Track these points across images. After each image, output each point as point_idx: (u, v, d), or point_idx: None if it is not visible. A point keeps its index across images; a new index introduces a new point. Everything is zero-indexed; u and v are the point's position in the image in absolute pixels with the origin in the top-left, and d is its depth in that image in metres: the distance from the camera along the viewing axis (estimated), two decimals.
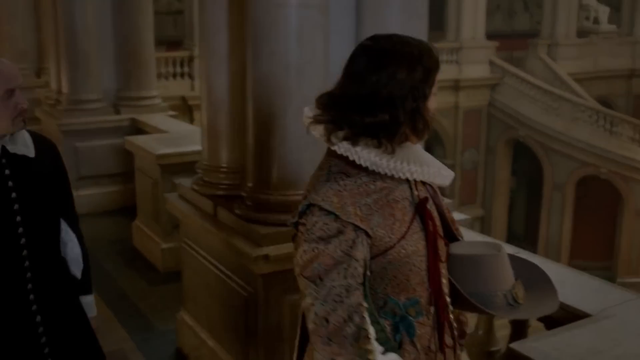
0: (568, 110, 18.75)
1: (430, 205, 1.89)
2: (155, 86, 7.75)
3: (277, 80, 3.21)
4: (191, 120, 13.06)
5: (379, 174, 1.78)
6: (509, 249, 2.27)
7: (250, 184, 3.42)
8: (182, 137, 6.15)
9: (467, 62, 19.68)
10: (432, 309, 1.88)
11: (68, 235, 2.60)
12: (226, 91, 3.74)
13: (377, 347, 1.69)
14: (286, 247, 3.24)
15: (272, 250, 3.21)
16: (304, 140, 3.24)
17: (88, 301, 2.70)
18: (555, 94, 19.04)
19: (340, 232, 1.71)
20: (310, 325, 1.72)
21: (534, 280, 2.01)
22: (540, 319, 2.87)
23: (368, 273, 1.76)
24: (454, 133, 19.89)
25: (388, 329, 1.81)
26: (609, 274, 18.41)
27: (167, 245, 5.58)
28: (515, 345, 2.48)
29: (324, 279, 1.70)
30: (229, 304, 3.64)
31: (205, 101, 3.89)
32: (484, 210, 20.32)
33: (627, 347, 2.41)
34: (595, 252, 18.88)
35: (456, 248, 1.96)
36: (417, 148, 1.88)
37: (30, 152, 2.44)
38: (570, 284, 1.98)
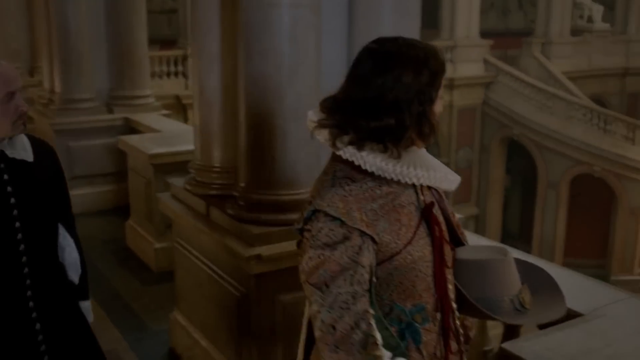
0: (562, 109, 18.80)
1: (436, 210, 1.87)
2: (148, 85, 7.74)
3: (269, 80, 3.20)
4: (185, 119, 13.04)
5: (384, 178, 1.76)
6: (514, 252, 2.23)
7: (242, 184, 3.42)
8: (175, 137, 6.13)
9: (462, 60, 19.70)
10: (438, 315, 1.86)
11: (66, 240, 2.57)
12: (218, 91, 3.73)
13: (385, 353, 1.67)
14: (279, 247, 3.24)
15: (264, 250, 3.20)
16: (297, 140, 3.26)
17: (85, 307, 2.68)
18: (549, 93, 19.09)
19: (346, 238, 1.69)
20: (317, 333, 1.69)
21: (541, 285, 1.98)
22: None
23: (374, 279, 1.73)
24: (448, 132, 19.90)
25: (394, 336, 1.78)
26: (603, 272, 18.46)
27: (160, 245, 5.57)
28: (507, 345, 2.47)
29: (330, 286, 1.67)
30: (222, 304, 3.63)
31: (197, 101, 3.88)
32: (479, 208, 20.36)
33: (619, 347, 2.41)
34: (589, 250, 18.94)
35: (462, 253, 1.94)
36: (423, 152, 1.85)
37: (29, 157, 2.40)
38: (562, 284, 1.96)
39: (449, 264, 1.88)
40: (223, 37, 3.65)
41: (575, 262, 18.20)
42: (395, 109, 1.73)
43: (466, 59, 19.68)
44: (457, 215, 2.08)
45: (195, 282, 3.94)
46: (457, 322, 1.92)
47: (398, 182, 1.77)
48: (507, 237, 19.78)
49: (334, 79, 3.58)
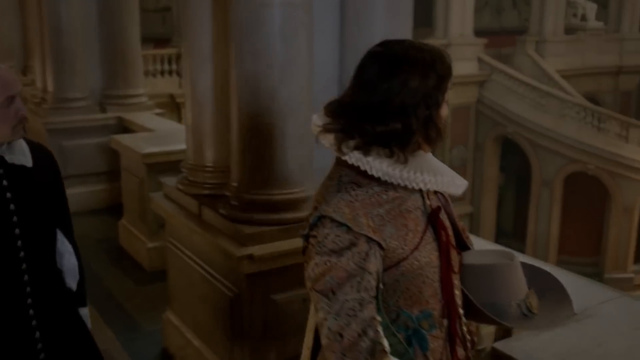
0: (556, 107, 18.83)
1: (442, 215, 1.85)
2: (141, 84, 7.72)
3: (261, 79, 3.20)
4: (179, 118, 13.01)
5: (390, 183, 1.74)
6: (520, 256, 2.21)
7: (234, 184, 3.41)
8: (168, 136, 6.11)
9: (456, 59, 19.21)
10: (445, 322, 1.84)
11: (64, 246, 2.53)
12: (210, 90, 3.72)
13: None
14: (271, 247, 3.24)
15: (256, 250, 3.20)
16: (289, 139, 3.26)
17: (84, 314, 2.64)
18: (543, 91, 19.12)
19: (352, 244, 1.66)
20: (324, 341, 1.67)
21: (548, 289, 1.96)
22: None
23: (381, 286, 1.71)
24: None
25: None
26: (596, 270, 18.53)
27: (153, 244, 5.56)
28: (498, 345, 2.48)
29: (337, 293, 1.65)
30: (214, 304, 3.62)
31: (189, 100, 3.87)
32: (473, 207, 20.38)
33: (610, 347, 2.41)
34: (583, 248, 18.99)
35: (468, 257, 1.92)
36: (429, 157, 1.82)
37: (28, 162, 2.36)
38: None
39: (456, 269, 1.86)
40: (215, 36, 3.64)
41: (569, 260, 18.26)
42: (401, 114, 1.71)
43: (460, 58, 19.66)
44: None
45: (187, 282, 3.93)
46: (464, 328, 1.90)
47: (404, 187, 1.75)
48: (501, 236, 19.82)
49: (325, 78, 3.61)
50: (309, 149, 3.38)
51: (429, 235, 1.79)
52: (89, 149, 7.13)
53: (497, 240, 18.04)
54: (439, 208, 1.83)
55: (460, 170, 20.00)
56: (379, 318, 1.67)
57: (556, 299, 1.96)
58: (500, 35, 22.04)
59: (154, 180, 5.41)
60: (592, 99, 20.82)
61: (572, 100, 19.06)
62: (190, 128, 3.89)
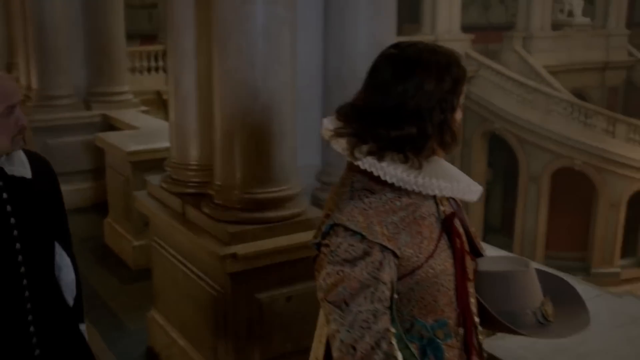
0: (543, 103, 18.90)
1: (456, 221, 1.81)
2: (126, 82, 7.67)
3: (243, 77, 3.18)
4: (166, 115, 12.89)
5: (404, 189, 1.69)
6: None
7: (218, 182, 3.40)
8: (153, 134, 6.08)
9: None
10: (460, 331, 1.80)
11: (63, 260, 2.44)
12: (194, 88, 3.70)
13: None
14: (254, 246, 3.23)
15: (240, 248, 3.19)
16: (272, 137, 3.24)
17: (81, 330, 2.56)
18: (530, 87, 19.18)
19: (366, 254, 1.61)
20: (336, 354, 1.62)
21: (563, 296, 1.93)
22: None
23: (395, 296, 1.66)
24: None
25: (416, 353, 1.72)
26: (584, 265, 18.64)
27: (138, 242, 5.53)
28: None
29: (350, 304, 1.60)
30: (199, 303, 3.61)
31: (173, 98, 3.85)
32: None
33: (592, 345, 2.42)
34: (571, 243, 19.08)
35: (482, 264, 1.88)
36: (443, 162, 1.77)
37: (28, 173, 2.27)
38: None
39: (471, 276, 1.82)
40: (198, 33, 3.62)
41: (556, 254, 18.37)
42: (416, 118, 1.66)
43: None
44: None
45: (172, 281, 3.92)
46: (480, 337, 1.86)
47: (418, 193, 1.70)
48: (489, 231, 19.90)
49: (309, 76, 3.61)
50: (292, 147, 3.37)
51: (444, 243, 1.75)
52: (74, 146, 7.07)
53: (485, 235, 18.11)
54: (453, 214, 1.80)
55: None
56: (393, 330, 1.63)
57: (571, 306, 1.92)
58: (488, 31, 22.10)
59: (139, 179, 5.37)
60: (579, 94, 20.91)
61: (559, 96, 19.14)
62: (174, 126, 3.87)
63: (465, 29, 20.86)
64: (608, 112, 18.96)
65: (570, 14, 22.59)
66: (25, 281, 2.24)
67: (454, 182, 1.73)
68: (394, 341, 1.62)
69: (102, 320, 4.76)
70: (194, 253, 3.56)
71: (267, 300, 3.31)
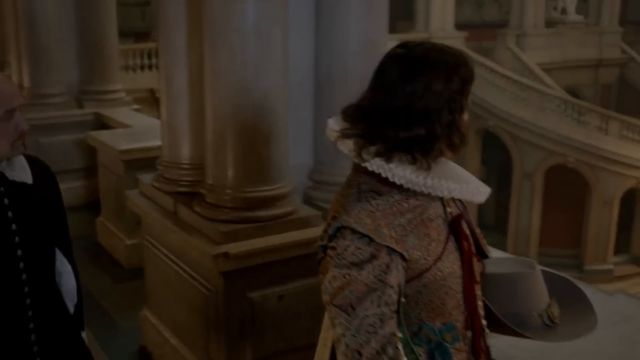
0: (536, 100, 18.94)
1: (463, 223, 1.79)
2: (119, 80, 7.64)
3: (234, 75, 3.17)
4: (159, 113, 12.89)
5: (411, 191, 1.66)
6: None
7: (209, 181, 3.39)
8: (146, 132, 6.05)
9: None
10: (468, 334, 1.78)
11: (64, 266, 2.39)
12: (185, 87, 3.69)
13: None
14: (246, 245, 3.23)
15: (231, 247, 3.18)
16: (264, 136, 3.24)
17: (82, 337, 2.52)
18: (524, 84, 19.22)
19: (373, 257, 1.59)
20: (341, 358, 1.60)
21: (569, 297, 1.91)
22: None
23: (402, 299, 1.64)
24: None
25: (423, 356, 1.71)
26: (577, 262, 18.70)
27: (131, 241, 5.52)
28: None
29: (357, 308, 1.58)
30: (191, 302, 3.60)
31: (164, 96, 3.84)
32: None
33: (582, 344, 2.40)
34: (564, 240, 19.13)
35: (487, 266, 1.86)
36: (451, 164, 1.75)
37: (29, 179, 2.22)
38: None
39: (478, 278, 1.80)
40: (189, 31, 3.61)
41: (550, 252, 18.42)
42: (425, 118, 1.64)
43: None
44: None
45: (164, 280, 3.91)
46: (488, 341, 1.85)
47: (425, 195, 1.68)
48: (482, 228, 19.46)
49: (301, 75, 3.60)
50: (284, 146, 3.36)
51: (451, 245, 1.73)
52: (66, 145, 7.04)
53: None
54: (460, 216, 1.78)
55: None
56: (399, 334, 1.61)
57: (578, 308, 1.91)
58: (481, 29, 22.13)
59: (131, 177, 5.35)
60: (573, 92, 20.96)
61: (553, 93, 19.19)
62: (166, 125, 3.86)
63: (459, 26, 20.89)
64: (601, 109, 19.02)
65: (564, 11, 22.63)
66: (26, 288, 2.20)
67: (463, 183, 1.71)
68: (400, 346, 1.60)
69: (95, 319, 4.73)
70: (186, 252, 3.55)
71: (259, 299, 3.31)
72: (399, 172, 1.64)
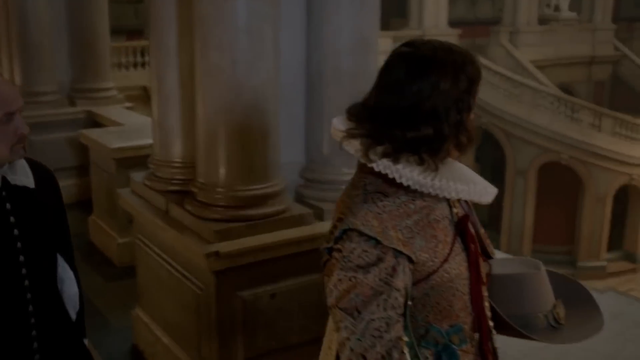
0: (530, 97, 18.98)
1: (469, 224, 1.77)
2: (111, 78, 7.62)
3: (225, 74, 3.16)
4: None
5: (417, 191, 1.64)
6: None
7: (201, 180, 3.38)
8: (138, 130, 6.02)
9: None
10: (476, 336, 1.76)
11: (66, 273, 2.35)
12: (177, 85, 3.67)
13: None
14: (237, 244, 3.22)
15: (222, 246, 3.17)
16: (255, 134, 3.23)
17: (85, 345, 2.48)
18: (517, 81, 19.26)
19: (380, 260, 1.57)
20: None
21: (574, 298, 1.90)
22: None
23: (409, 302, 1.62)
24: None
25: (430, 359, 1.70)
26: (570, 258, 18.76)
27: (123, 240, 5.50)
28: None
29: (362, 312, 1.56)
30: (182, 301, 3.59)
31: (155, 95, 3.82)
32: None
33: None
34: (557, 237, 19.19)
35: (493, 267, 1.85)
36: (458, 164, 1.73)
37: (31, 183, 2.18)
38: None
39: (484, 279, 1.78)
40: (180, 30, 3.59)
41: (543, 248, 18.46)
42: (433, 118, 1.61)
43: None
44: None
45: (156, 279, 3.90)
46: (495, 343, 1.83)
47: (431, 195, 1.65)
48: None
49: (292, 73, 3.59)
50: (276, 144, 3.36)
51: (458, 246, 1.71)
52: (58, 143, 7.01)
53: None
54: (466, 217, 1.76)
55: None
56: (405, 338, 1.59)
57: (584, 309, 1.89)
58: (475, 26, 22.15)
59: (123, 175, 5.32)
60: (566, 89, 21.01)
61: (546, 90, 19.23)
62: (157, 123, 3.85)
63: (453, 23, 20.92)
64: (594, 106, 19.08)
65: (557, 8, 22.68)
66: (29, 295, 2.15)
67: (471, 184, 1.69)
68: (406, 350, 1.58)
69: (87, 318, 4.70)
70: (178, 251, 3.54)
71: (251, 298, 3.30)
72: (406, 173, 1.61)
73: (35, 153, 7.06)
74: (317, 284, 3.41)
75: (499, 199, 20.07)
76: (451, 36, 20.28)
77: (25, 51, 6.90)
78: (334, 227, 1.67)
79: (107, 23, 7.35)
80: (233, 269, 3.23)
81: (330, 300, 1.62)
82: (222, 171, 3.28)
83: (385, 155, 1.62)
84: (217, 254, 3.16)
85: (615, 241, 19.24)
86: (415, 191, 1.64)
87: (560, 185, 18.97)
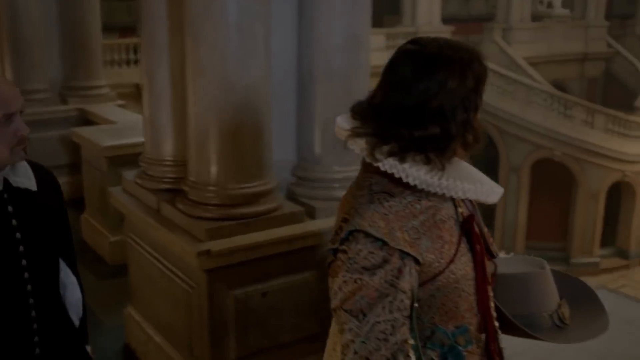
0: (523, 94, 18.99)
1: (474, 224, 1.75)
2: (103, 75, 7.59)
3: (216, 72, 3.15)
4: None
5: (423, 191, 1.62)
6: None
7: (192, 178, 3.37)
8: (130, 128, 5.99)
9: None
10: (482, 336, 1.75)
11: (68, 278, 2.30)
12: (167, 83, 3.66)
13: None
14: (229, 242, 3.22)
15: (214, 245, 3.17)
16: (246, 132, 3.22)
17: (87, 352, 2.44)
18: (511, 78, 19.25)
19: (385, 261, 1.55)
20: None
21: (579, 297, 1.88)
22: None
23: (415, 304, 1.60)
24: None
25: None
26: (563, 255, 18.80)
27: (115, 238, 5.48)
28: None
29: (368, 314, 1.54)
30: (174, 300, 3.59)
31: (146, 93, 3.81)
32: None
33: None
34: (551, 233, 19.22)
35: (498, 267, 1.83)
36: (464, 163, 1.71)
37: (33, 185, 2.14)
38: None
39: (489, 279, 1.77)
40: (171, 28, 3.58)
41: (537, 245, 18.50)
42: (440, 117, 1.59)
43: None
44: None
45: (147, 278, 3.89)
46: (501, 344, 1.81)
47: (437, 195, 1.63)
48: None
49: (283, 71, 3.58)
50: (267, 142, 3.35)
51: (464, 246, 1.70)
52: (50, 141, 6.97)
53: None
54: (472, 216, 1.75)
55: None
56: (411, 341, 1.58)
57: (589, 308, 1.88)
58: (468, 23, 22.15)
59: (115, 174, 5.30)
60: (559, 85, 21.03)
61: (539, 87, 19.24)
62: (148, 121, 3.84)
63: (446, 20, 20.90)
64: (587, 103, 19.10)
65: (550, 5, 22.71)
66: (31, 300, 2.11)
67: (478, 183, 1.67)
68: (411, 353, 1.57)
69: None
70: (169, 249, 3.53)
71: (243, 296, 3.29)
72: (413, 172, 1.59)
73: (27, 151, 7.06)
74: (309, 282, 3.43)
75: None
76: (444, 33, 20.23)
77: (16, 48, 6.86)
78: (339, 228, 1.64)
79: (99, 20, 7.33)
80: (224, 268, 3.23)
81: (335, 302, 1.59)
82: (213, 169, 3.27)
83: (391, 154, 1.60)
84: (208, 252, 3.15)
85: (608, 238, 19.29)
86: (421, 191, 1.62)
87: (554, 181, 19.00)
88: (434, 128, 1.59)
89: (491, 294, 1.78)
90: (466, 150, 1.68)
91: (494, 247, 1.91)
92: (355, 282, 1.55)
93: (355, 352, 1.53)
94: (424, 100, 1.59)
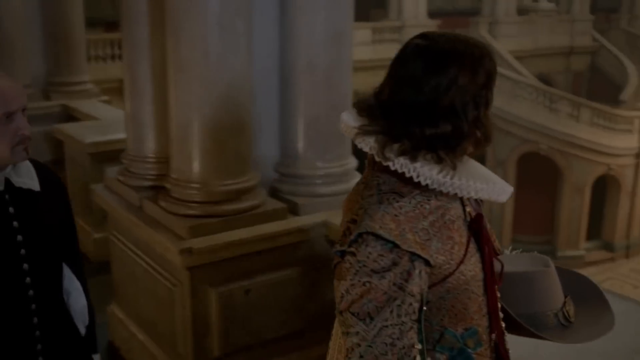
0: (509, 88, 19.01)
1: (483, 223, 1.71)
2: (86, 71, 7.52)
3: (197, 68, 3.13)
4: None
5: (432, 191, 1.57)
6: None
7: (174, 176, 3.35)
8: (114, 124, 5.94)
9: None
10: (492, 337, 1.71)
11: (72, 284, 2.22)
12: (149, 79, 3.64)
13: None
14: (211, 240, 3.20)
15: (196, 242, 3.15)
16: (227, 129, 3.20)
17: None
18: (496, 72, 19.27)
19: (394, 264, 1.50)
20: None
21: (583, 294, 1.86)
22: None
23: (424, 308, 1.57)
24: None
25: None
26: (549, 248, 18.88)
27: (98, 235, 5.45)
28: None
29: (375, 318, 1.50)
30: (157, 297, 3.57)
31: (128, 89, 3.78)
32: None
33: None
34: (537, 227, 19.31)
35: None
36: (473, 162, 1.67)
37: (36, 186, 2.07)
38: None
39: (497, 280, 1.73)
40: (152, 23, 3.55)
41: (523, 238, 18.57)
42: (451, 114, 1.54)
43: None
44: None
45: (131, 275, 3.87)
46: (507, 345, 1.78)
47: (446, 195, 1.59)
48: None
49: (266, 67, 3.56)
50: (249, 139, 3.33)
51: (472, 247, 1.66)
52: (33, 138, 6.81)
53: None
54: (481, 216, 1.71)
55: None
56: (418, 346, 1.55)
57: (594, 306, 1.86)
58: (454, 17, 22.13)
59: (98, 170, 5.26)
60: (545, 79, 21.11)
61: (525, 80, 19.29)
62: (130, 118, 3.81)
63: (432, 14, 20.89)
64: (572, 96, 19.18)
65: None
66: (33, 306, 2.05)
67: (490, 183, 1.63)
68: (418, 358, 1.55)
69: None
70: (152, 247, 3.51)
71: (226, 294, 3.28)
72: (425, 171, 1.55)
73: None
74: (292, 279, 3.42)
75: None
76: (430, 27, 20.25)
77: None
78: (347, 229, 1.60)
79: (82, 14, 7.25)
80: (207, 265, 3.21)
81: (342, 305, 1.55)
82: (195, 166, 3.25)
83: (402, 153, 1.55)
84: (190, 250, 3.14)
85: (594, 231, 19.41)
86: (429, 191, 1.58)
87: (540, 175, 19.07)
88: (446, 126, 1.55)
89: (498, 294, 1.75)
90: (476, 148, 1.63)
91: (497, 245, 1.87)
92: (364, 285, 1.51)
93: (361, 356, 1.51)
94: (435, 97, 1.54)
